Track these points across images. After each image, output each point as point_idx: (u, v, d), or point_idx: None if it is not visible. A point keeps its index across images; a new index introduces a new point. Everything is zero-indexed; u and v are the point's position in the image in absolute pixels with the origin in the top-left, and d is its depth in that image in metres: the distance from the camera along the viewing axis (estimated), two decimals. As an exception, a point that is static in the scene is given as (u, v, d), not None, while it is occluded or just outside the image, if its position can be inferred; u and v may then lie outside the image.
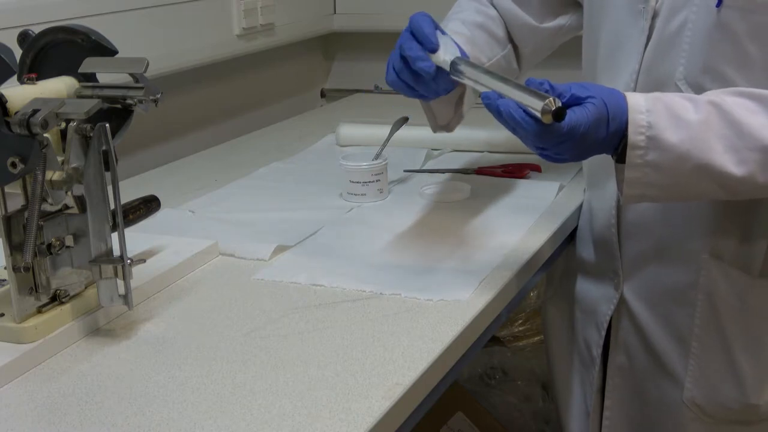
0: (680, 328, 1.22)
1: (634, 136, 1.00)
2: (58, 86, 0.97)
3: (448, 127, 1.28)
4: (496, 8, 1.36)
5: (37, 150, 0.89)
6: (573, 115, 0.97)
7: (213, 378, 0.89)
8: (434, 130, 1.29)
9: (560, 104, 0.95)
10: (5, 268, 0.94)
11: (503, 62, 1.33)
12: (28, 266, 0.92)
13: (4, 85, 0.92)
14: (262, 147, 1.78)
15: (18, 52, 0.99)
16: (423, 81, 1.12)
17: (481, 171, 1.53)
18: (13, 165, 0.88)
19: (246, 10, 1.90)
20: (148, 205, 1.16)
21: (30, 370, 0.91)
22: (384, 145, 1.48)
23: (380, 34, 2.13)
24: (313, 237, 1.26)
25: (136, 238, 1.14)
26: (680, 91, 1.10)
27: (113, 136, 0.94)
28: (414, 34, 1.11)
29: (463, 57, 1.10)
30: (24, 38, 1.01)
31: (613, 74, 1.18)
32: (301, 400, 0.84)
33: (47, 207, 0.95)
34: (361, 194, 1.40)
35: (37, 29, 1.01)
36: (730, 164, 1.00)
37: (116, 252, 0.95)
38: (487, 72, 1.06)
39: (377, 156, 1.41)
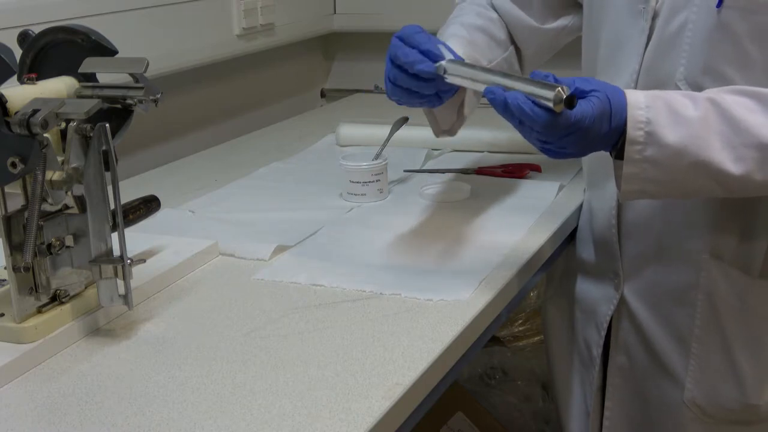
0: (680, 328, 1.22)
1: (633, 131, 1.00)
2: (58, 86, 0.97)
3: (451, 131, 1.28)
4: (497, 11, 1.36)
5: (37, 150, 0.89)
6: (579, 108, 0.97)
7: (213, 378, 0.89)
8: (437, 135, 1.28)
9: (570, 92, 0.95)
10: (5, 268, 0.94)
11: (504, 64, 1.33)
12: (28, 266, 0.92)
13: (4, 85, 0.92)
14: (262, 147, 1.78)
15: (18, 52, 0.99)
16: (425, 84, 1.10)
17: (481, 171, 1.53)
18: (13, 165, 0.88)
19: (246, 10, 1.90)
20: (148, 205, 1.16)
21: (30, 370, 0.91)
22: (384, 145, 1.48)
23: (380, 34, 2.12)
24: (313, 237, 1.26)
25: (136, 238, 1.14)
26: (680, 91, 1.10)
27: (113, 136, 0.94)
28: (405, 41, 1.10)
29: (458, 59, 1.10)
30: (24, 38, 1.01)
31: (613, 74, 1.18)
32: (301, 400, 0.84)
33: (47, 207, 0.95)
34: (361, 194, 1.40)
35: (37, 29, 1.01)
36: (728, 161, 1.00)
37: (116, 252, 0.95)
38: (486, 69, 1.06)
39: (377, 156, 1.41)
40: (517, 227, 1.27)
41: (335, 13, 2.29)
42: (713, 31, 1.07)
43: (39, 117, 0.88)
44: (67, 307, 0.97)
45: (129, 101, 0.98)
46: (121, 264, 0.94)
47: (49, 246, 0.95)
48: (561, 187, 1.44)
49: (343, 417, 0.81)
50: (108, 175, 0.93)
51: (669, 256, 1.21)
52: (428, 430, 1.80)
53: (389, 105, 1.23)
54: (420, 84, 1.10)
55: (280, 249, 1.21)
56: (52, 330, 0.95)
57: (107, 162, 0.92)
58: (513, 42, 1.36)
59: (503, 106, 0.98)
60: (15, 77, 0.94)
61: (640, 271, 1.25)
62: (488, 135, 1.65)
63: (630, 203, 1.22)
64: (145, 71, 0.97)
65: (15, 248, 0.93)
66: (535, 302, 2.04)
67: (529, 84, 0.97)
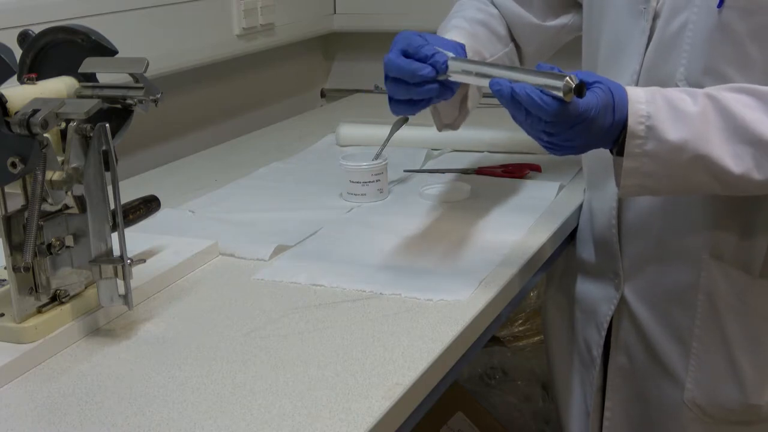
0: (681, 328, 1.22)
1: (634, 125, 1.01)
2: (58, 86, 0.97)
3: (454, 125, 1.28)
4: (497, 7, 1.36)
5: (37, 150, 0.89)
6: (585, 98, 0.97)
7: (213, 378, 0.89)
8: (439, 129, 1.28)
9: (579, 80, 0.94)
10: (5, 268, 0.94)
11: (506, 59, 1.33)
12: (28, 266, 0.92)
13: (4, 85, 0.92)
14: (262, 147, 1.78)
15: (18, 52, 0.98)
16: (429, 88, 1.07)
17: (481, 171, 1.53)
18: (13, 165, 0.88)
19: (246, 10, 1.90)
20: (148, 205, 1.16)
21: (30, 370, 0.91)
22: (384, 145, 1.48)
23: (380, 34, 2.12)
24: (313, 237, 1.26)
25: (136, 238, 1.14)
26: (681, 91, 1.10)
27: (113, 136, 0.94)
28: (403, 46, 1.08)
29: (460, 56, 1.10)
30: (24, 38, 1.00)
31: (613, 75, 1.18)
32: (301, 400, 0.84)
33: (47, 207, 0.95)
34: (361, 194, 1.40)
35: (37, 29, 1.01)
36: (727, 157, 1.01)
37: (116, 252, 0.95)
38: (491, 64, 1.05)
39: (377, 156, 1.41)
40: (517, 227, 1.27)
41: (335, 13, 2.29)
42: (714, 31, 1.07)
43: (39, 117, 0.88)
44: (67, 307, 0.97)
45: (129, 101, 0.97)
46: (121, 264, 0.94)
47: (49, 246, 0.95)
48: (561, 187, 1.44)
49: (343, 417, 0.81)
50: (108, 175, 0.93)
51: (669, 256, 1.21)
52: (428, 430, 1.80)
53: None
54: (422, 90, 1.07)
55: (280, 249, 1.21)
56: (52, 330, 0.95)
57: (107, 162, 0.92)
58: (513, 39, 1.36)
59: (510, 96, 0.97)
60: (15, 77, 0.94)
61: (640, 271, 1.25)
62: (488, 135, 1.65)
63: (630, 203, 1.22)
64: (145, 71, 0.97)
65: (15, 248, 0.93)
66: (535, 302, 2.04)
67: (536, 75, 0.97)
